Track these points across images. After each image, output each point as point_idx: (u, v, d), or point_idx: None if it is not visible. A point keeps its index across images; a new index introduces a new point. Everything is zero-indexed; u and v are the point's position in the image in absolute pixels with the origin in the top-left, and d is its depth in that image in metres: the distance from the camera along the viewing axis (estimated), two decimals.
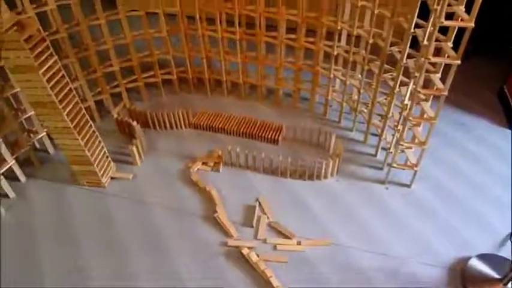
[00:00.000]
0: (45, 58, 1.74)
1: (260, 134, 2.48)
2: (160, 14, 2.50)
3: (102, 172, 2.17)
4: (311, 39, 2.44)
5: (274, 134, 2.48)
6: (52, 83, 1.77)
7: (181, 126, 2.61)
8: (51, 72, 1.77)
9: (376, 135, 2.41)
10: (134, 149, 2.27)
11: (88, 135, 2.05)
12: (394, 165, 2.11)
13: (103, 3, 2.35)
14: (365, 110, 2.48)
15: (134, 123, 2.39)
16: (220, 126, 2.55)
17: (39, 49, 1.71)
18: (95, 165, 2.11)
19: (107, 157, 2.24)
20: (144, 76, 2.78)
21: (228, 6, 2.44)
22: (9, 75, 2.04)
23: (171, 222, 2.04)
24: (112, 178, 2.26)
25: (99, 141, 2.15)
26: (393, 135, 2.19)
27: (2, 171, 2.11)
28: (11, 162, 2.16)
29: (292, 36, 2.45)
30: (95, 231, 2.01)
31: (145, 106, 2.79)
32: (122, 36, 2.54)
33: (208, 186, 2.17)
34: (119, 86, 2.71)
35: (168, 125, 2.60)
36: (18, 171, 2.23)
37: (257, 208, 2.06)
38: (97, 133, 2.12)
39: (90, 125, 2.07)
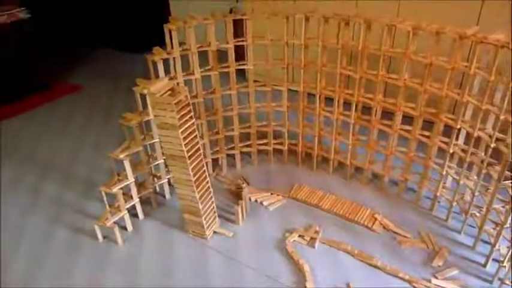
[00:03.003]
0: (186, 120, 2.04)
1: (362, 221, 2.48)
2: (284, 91, 2.77)
3: (207, 225, 2.36)
4: (426, 133, 2.44)
5: (375, 222, 2.46)
6: (187, 141, 2.06)
7: (284, 196, 2.74)
8: (188, 132, 2.07)
9: (488, 243, 2.23)
10: (239, 209, 2.44)
11: (204, 190, 2.28)
12: (507, 282, 1.92)
13: (237, 77, 2.70)
14: (477, 214, 2.34)
15: (244, 185, 2.58)
16: (323, 205, 2.62)
17: (184, 112, 2.02)
18: (203, 217, 2.31)
19: (214, 212, 2.43)
20: (258, 143, 3.03)
21: (348, 92, 2.61)
22: (152, 128, 2.42)
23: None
24: (214, 232, 2.44)
25: (211, 197, 2.37)
26: (508, 248, 2.01)
27: (127, 206, 2.43)
28: (135, 200, 2.48)
29: (407, 127, 2.49)
30: (190, 278, 2.16)
31: (255, 170, 2.99)
32: (246, 106, 2.85)
33: (302, 260, 2.21)
34: (235, 149, 2.99)
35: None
36: (139, 209, 2.54)
37: None
38: (211, 189, 2.35)
39: (207, 181, 2.31)
